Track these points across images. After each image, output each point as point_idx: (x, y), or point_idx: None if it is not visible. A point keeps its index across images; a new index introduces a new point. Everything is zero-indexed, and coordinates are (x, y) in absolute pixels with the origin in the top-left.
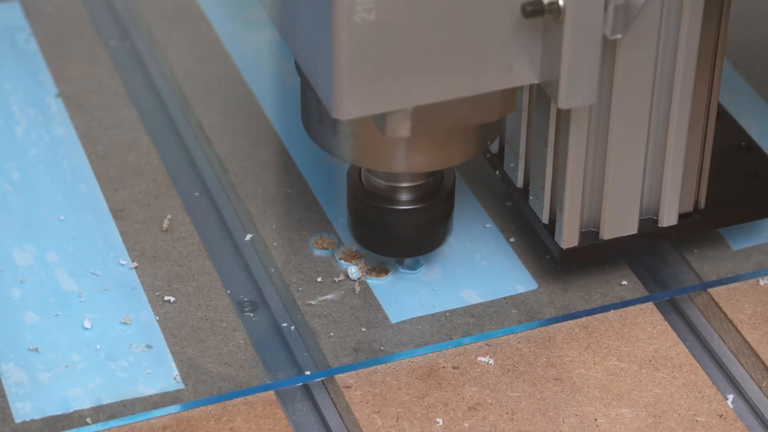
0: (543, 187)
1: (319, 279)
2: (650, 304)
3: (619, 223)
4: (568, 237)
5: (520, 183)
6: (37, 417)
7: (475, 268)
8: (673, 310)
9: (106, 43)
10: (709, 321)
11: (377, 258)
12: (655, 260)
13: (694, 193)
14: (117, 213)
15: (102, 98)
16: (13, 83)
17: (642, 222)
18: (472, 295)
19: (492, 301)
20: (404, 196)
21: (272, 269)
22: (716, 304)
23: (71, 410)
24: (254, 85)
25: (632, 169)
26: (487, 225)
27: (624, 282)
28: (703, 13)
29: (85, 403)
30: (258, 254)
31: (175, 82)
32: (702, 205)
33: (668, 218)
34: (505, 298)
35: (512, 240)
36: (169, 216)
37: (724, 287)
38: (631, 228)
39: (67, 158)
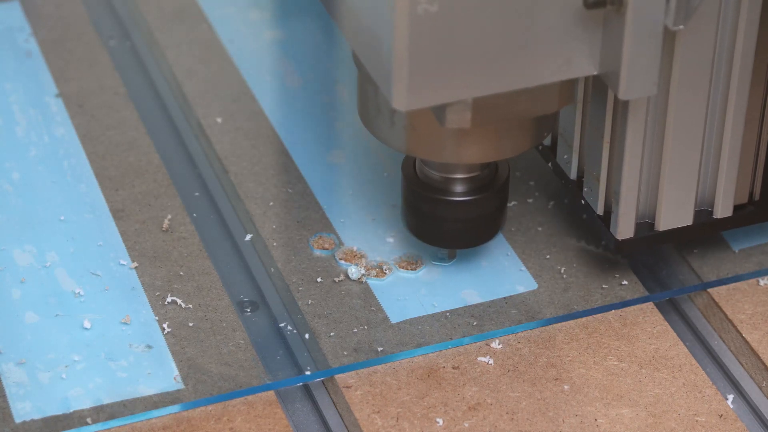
0: (598, 179)
1: (319, 279)
2: (650, 304)
3: (675, 214)
4: (624, 228)
5: (573, 175)
6: (37, 417)
7: (475, 268)
8: (673, 310)
9: (106, 43)
10: (709, 321)
11: (377, 258)
12: (655, 260)
13: (749, 184)
14: (117, 213)
15: (102, 98)
16: (13, 83)
17: (697, 213)
18: (472, 295)
19: (492, 301)
20: (458, 188)
21: (272, 269)
22: (716, 304)
23: (71, 410)
24: (254, 85)
25: (689, 161)
26: None
27: (624, 282)
28: (762, 4)
29: (85, 403)
30: (258, 254)
31: (175, 82)
32: (757, 196)
33: (723, 210)
34: (505, 298)
35: (512, 240)
36: (169, 216)
37: (724, 287)
38: (687, 219)
39: (67, 158)
